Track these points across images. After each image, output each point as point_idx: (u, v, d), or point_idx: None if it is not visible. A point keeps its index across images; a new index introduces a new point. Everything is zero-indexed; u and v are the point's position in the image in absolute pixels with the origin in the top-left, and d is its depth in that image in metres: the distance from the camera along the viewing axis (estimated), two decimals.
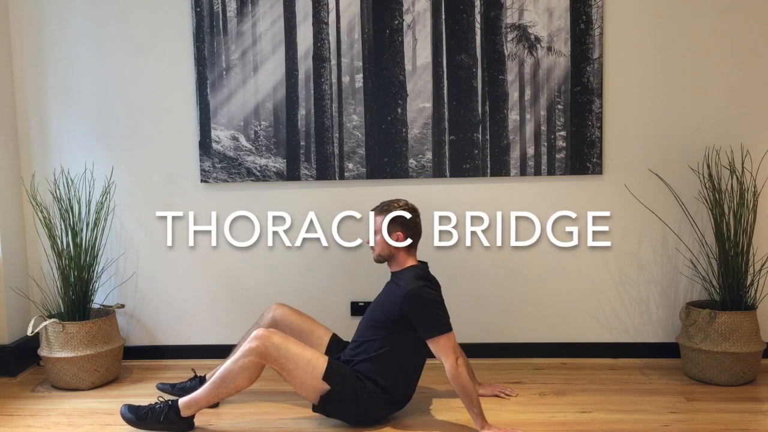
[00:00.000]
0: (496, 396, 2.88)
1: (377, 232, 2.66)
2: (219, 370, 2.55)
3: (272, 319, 2.81)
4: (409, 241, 2.64)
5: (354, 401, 2.54)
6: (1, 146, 3.30)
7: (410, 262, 2.66)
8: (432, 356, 2.56)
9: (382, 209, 2.67)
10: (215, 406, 2.79)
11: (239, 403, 2.86)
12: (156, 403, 2.57)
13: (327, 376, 2.50)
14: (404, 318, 2.54)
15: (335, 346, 2.78)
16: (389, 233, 2.63)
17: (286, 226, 3.37)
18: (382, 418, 2.64)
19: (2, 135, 3.30)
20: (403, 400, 2.66)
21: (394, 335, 2.58)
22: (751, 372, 3.00)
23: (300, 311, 2.86)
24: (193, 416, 2.58)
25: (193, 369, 3.00)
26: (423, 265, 2.69)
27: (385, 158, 3.29)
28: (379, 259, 2.70)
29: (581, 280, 3.33)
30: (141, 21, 3.32)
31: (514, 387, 2.97)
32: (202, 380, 2.84)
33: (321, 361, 2.52)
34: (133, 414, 2.54)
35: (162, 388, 2.93)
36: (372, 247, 2.70)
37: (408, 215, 2.65)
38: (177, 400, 2.56)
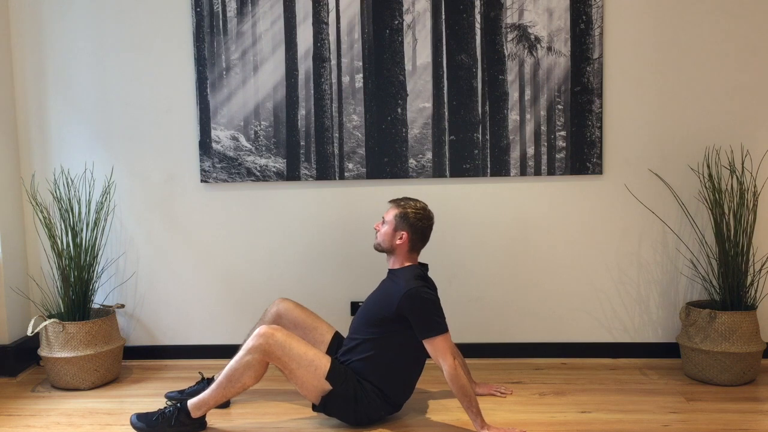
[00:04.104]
0: (492, 395, 2.89)
1: (386, 223, 2.65)
2: (225, 369, 2.55)
3: (276, 313, 2.81)
4: (409, 244, 2.63)
5: (353, 401, 2.54)
6: (1, 146, 3.30)
7: (409, 262, 2.66)
8: (429, 357, 2.56)
9: (399, 204, 2.65)
10: (225, 405, 2.80)
11: (240, 403, 2.86)
12: (165, 407, 2.57)
13: (330, 377, 2.50)
14: (401, 317, 2.53)
15: (337, 344, 2.77)
16: (395, 230, 2.62)
17: (286, 226, 3.38)
18: (381, 418, 2.64)
19: (2, 135, 3.30)
20: (401, 401, 2.66)
21: (388, 334, 2.58)
22: (751, 372, 3.00)
23: (304, 306, 2.86)
24: (204, 416, 2.57)
25: (200, 372, 2.99)
26: (423, 267, 2.69)
27: (385, 158, 3.29)
28: (378, 248, 2.69)
29: (581, 280, 3.32)
30: (141, 21, 3.32)
31: (514, 387, 2.97)
32: (209, 382, 2.82)
33: (324, 361, 2.52)
34: (144, 422, 2.53)
35: (171, 396, 2.91)
36: (377, 233, 2.68)
37: (419, 220, 2.62)
38: (186, 401, 2.55)
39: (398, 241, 2.62)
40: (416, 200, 2.68)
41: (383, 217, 2.68)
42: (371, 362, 2.59)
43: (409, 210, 2.62)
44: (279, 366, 2.50)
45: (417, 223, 2.62)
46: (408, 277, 2.57)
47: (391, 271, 2.69)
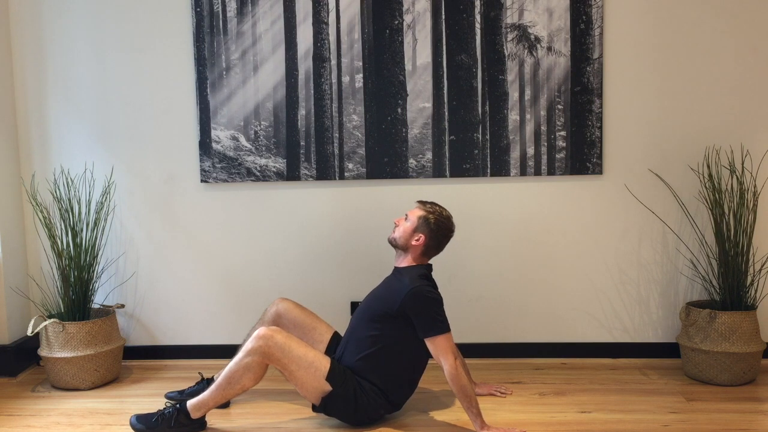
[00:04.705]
0: (492, 395, 2.89)
1: (408, 221, 2.66)
2: (224, 370, 2.55)
3: (276, 313, 2.81)
4: (423, 248, 2.64)
5: (353, 402, 2.54)
6: (1, 146, 3.30)
7: (418, 263, 2.67)
8: (431, 357, 2.56)
9: (425, 207, 2.67)
10: (225, 406, 2.80)
11: (240, 403, 2.86)
12: (164, 408, 2.57)
13: (330, 378, 2.50)
14: (403, 315, 2.54)
15: (336, 344, 2.77)
16: (415, 230, 2.63)
17: (286, 226, 3.38)
18: (380, 417, 2.64)
19: (2, 135, 3.30)
20: (401, 400, 2.66)
21: (388, 332, 2.58)
22: (751, 372, 3.00)
23: (303, 306, 2.86)
24: (203, 417, 2.57)
25: (200, 372, 2.99)
26: (428, 267, 2.70)
27: (385, 158, 3.29)
28: (393, 243, 2.70)
29: (581, 280, 3.32)
30: (141, 21, 3.32)
31: (514, 387, 2.98)
32: (209, 382, 2.81)
33: (324, 362, 2.52)
34: (143, 423, 2.53)
35: (171, 396, 2.92)
36: (396, 227, 2.69)
37: (440, 229, 2.64)
38: (185, 402, 2.55)
39: (414, 242, 2.64)
40: (443, 208, 2.70)
41: (406, 214, 2.69)
42: (370, 360, 2.59)
43: (432, 216, 2.64)
44: (279, 367, 2.50)
45: (437, 231, 2.64)
46: (413, 275, 2.59)
47: (396, 269, 2.71)
